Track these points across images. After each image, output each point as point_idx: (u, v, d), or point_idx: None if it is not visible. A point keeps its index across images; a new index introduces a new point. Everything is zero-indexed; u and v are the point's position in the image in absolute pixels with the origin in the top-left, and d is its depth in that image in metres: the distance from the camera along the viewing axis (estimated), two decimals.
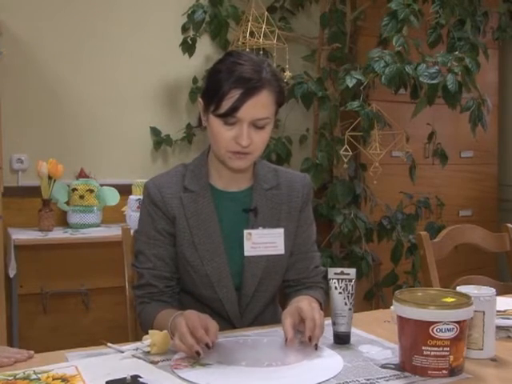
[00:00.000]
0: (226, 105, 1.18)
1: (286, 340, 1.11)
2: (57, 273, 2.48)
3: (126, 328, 1.43)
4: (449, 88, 2.27)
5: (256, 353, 1.12)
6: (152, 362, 1.07)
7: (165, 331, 1.14)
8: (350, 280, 1.20)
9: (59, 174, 2.66)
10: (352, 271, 1.21)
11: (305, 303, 1.14)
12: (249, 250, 1.30)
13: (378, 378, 1.00)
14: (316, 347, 1.10)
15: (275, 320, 1.35)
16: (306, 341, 1.11)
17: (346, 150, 2.56)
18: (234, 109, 1.17)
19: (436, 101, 2.36)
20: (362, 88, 2.44)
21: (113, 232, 2.51)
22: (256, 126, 1.20)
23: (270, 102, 1.20)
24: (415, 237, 2.61)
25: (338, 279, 1.20)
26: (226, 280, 1.30)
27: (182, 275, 1.33)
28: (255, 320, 1.36)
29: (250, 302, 1.34)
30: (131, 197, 2.65)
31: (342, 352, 1.14)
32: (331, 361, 1.09)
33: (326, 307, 1.29)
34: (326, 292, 1.26)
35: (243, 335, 1.24)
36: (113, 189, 2.78)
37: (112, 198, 2.74)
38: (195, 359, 1.07)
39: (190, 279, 1.32)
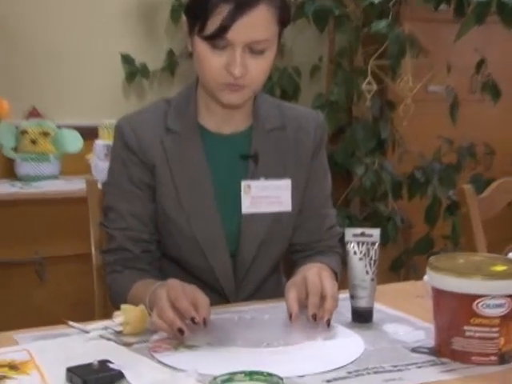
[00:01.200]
0: (213, 23, 1.18)
1: (291, 317, 1.13)
2: (3, 237, 2.42)
3: (92, 304, 1.46)
4: (505, 1, 2.21)
5: (254, 332, 1.14)
6: (125, 344, 1.09)
7: (141, 306, 1.15)
8: (373, 243, 1.22)
9: (4, 112, 2.63)
10: (375, 232, 1.22)
11: (312, 272, 1.16)
12: (247, 207, 1.32)
13: (407, 365, 1.02)
14: (328, 323, 1.12)
15: (279, 293, 1.36)
16: (317, 319, 1.14)
17: (369, 83, 2.57)
18: (223, 28, 1.17)
19: (487, 19, 2.32)
20: (390, 4, 2.43)
21: (75, 186, 2.50)
22: (252, 50, 1.21)
23: (270, 19, 1.20)
24: (456, 192, 2.56)
25: (357, 242, 1.22)
26: (219, 244, 1.32)
27: (163, 238, 1.36)
28: (254, 293, 1.39)
29: (249, 272, 1.37)
30: (98, 142, 2.63)
31: (363, 332, 1.16)
32: (349, 343, 1.11)
33: (343, 278, 1.32)
34: (343, 259, 1.29)
35: (239, 311, 1.26)
36: (74, 132, 2.76)
37: (73, 143, 2.71)
38: (178, 340, 1.08)
39: (173, 243, 1.34)
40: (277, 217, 1.34)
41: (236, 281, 1.36)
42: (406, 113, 2.57)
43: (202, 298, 1.10)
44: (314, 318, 1.12)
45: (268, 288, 1.41)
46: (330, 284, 1.14)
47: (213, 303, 1.16)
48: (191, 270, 1.35)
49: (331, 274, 1.27)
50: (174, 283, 1.11)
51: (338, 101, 2.65)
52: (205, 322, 1.07)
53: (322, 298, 1.14)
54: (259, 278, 1.39)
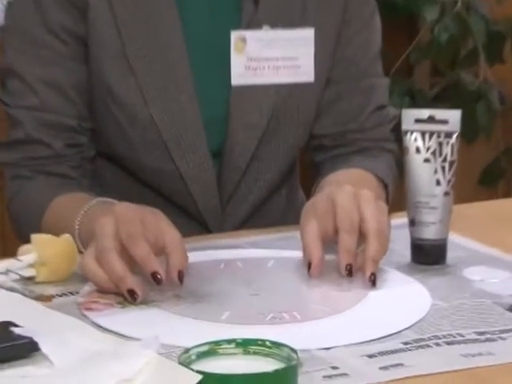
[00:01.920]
0: None
1: (310, 267, 1.04)
2: None
3: None
4: None
5: (251, 295, 1.05)
6: (39, 298, 1.02)
7: (65, 236, 1.08)
8: (449, 134, 1.14)
9: None
10: (454, 116, 1.15)
11: (345, 191, 1.07)
12: (240, 75, 1.24)
13: (501, 332, 0.93)
14: (373, 282, 1.03)
15: (291, 218, 1.30)
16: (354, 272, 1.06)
17: None
18: None
19: None
20: None
21: None
22: None
23: None
24: None
25: (423, 133, 1.14)
26: (195, 136, 1.27)
27: (100, 127, 1.31)
28: (251, 217, 1.35)
29: (242, 182, 1.32)
30: None
31: (429, 280, 1.09)
32: (406, 296, 1.04)
33: (398, 195, 1.28)
34: (399, 161, 1.28)
35: (228, 246, 1.21)
36: None
37: None
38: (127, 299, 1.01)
39: (118, 135, 1.29)
40: (289, 92, 1.29)
41: (222, 197, 1.31)
42: None
43: (173, 237, 1.00)
44: (348, 273, 1.02)
45: (273, 209, 1.38)
46: (373, 211, 1.04)
47: (187, 233, 1.11)
48: (147, 179, 1.30)
49: (377, 189, 1.22)
50: (126, 210, 1.02)
51: None
52: (180, 276, 0.99)
53: (362, 235, 1.05)
54: (259, 192, 1.34)
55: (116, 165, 1.35)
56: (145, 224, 1.01)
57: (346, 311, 1.01)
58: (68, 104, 1.27)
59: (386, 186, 1.29)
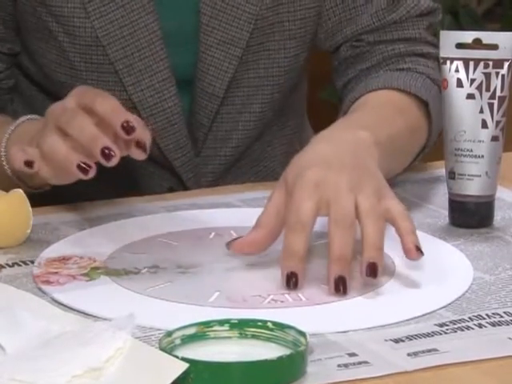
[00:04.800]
0: None
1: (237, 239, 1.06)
2: None
3: None
4: None
5: (246, 265, 1.06)
6: None
7: (17, 191, 1.08)
8: (500, 62, 1.13)
9: None
10: (505, 39, 1.13)
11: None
12: None
13: None
14: (417, 251, 1.01)
15: None
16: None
17: None
18: None
19: None
20: None
21: None
22: None
23: None
24: None
25: (465, 60, 1.13)
26: (151, 55, 1.28)
27: (35, 49, 1.32)
28: (238, 164, 1.39)
29: (221, 115, 1.34)
30: None
31: (473, 247, 1.09)
32: (443, 267, 1.04)
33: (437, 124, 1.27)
34: (437, 87, 1.26)
35: (214, 205, 1.23)
36: None
37: None
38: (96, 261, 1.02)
39: (57, 58, 1.30)
40: None
41: (194, 139, 1.33)
42: None
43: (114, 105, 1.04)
44: (371, 270, 0.98)
45: (270, 155, 1.41)
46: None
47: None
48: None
49: (411, 115, 1.21)
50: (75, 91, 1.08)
51: None
52: (141, 145, 1.02)
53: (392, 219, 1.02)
54: (246, 132, 1.36)
55: (53, 96, 1.33)
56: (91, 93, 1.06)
57: (362, 295, 1.01)
58: None
59: (426, 105, 1.27)
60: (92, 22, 1.26)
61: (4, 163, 1.13)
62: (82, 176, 1.02)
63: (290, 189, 1.05)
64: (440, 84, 1.26)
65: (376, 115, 1.20)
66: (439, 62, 1.26)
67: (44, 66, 1.34)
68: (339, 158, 1.08)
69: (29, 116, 1.17)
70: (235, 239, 1.06)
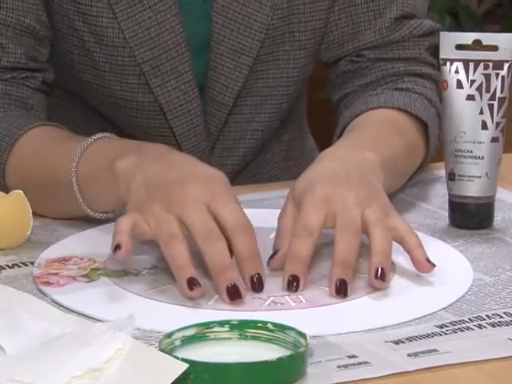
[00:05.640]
0: None
1: (273, 256, 1.05)
2: None
3: None
4: None
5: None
6: None
7: (17, 192, 1.08)
8: (500, 64, 1.13)
9: None
10: (505, 40, 1.14)
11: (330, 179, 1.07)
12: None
13: None
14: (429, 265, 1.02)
15: (293, 169, 1.38)
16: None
17: None
18: None
19: None
20: None
21: None
22: None
23: None
24: None
25: (466, 62, 1.14)
26: (177, 57, 1.29)
27: (62, 47, 1.31)
28: (244, 169, 1.40)
29: (230, 124, 1.35)
30: None
31: (473, 248, 1.09)
32: (445, 269, 1.03)
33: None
34: (434, 108, 1.28)
35: None
36: None
37: None
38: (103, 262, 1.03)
39: (83, 57, 1.30)
40: (287, 4, 1.30)
41: (209, 137, 1.34)
42: None
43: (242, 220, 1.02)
44: (378, 276, 0.99)
45: (273, 159, 1.41)
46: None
47: None
48: (119, 115, 1.33)
49: (409, 135, 1.21)
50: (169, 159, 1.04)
51: None
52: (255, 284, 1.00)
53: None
54: (254, 139, 1.37)
55: (79, 97, 1.35)
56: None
57: (363, 297, 1.00)
58: (25, 3, 1.26)
59: (426, 129, 1.27)
60: (120, 23, 1.27)
61: (75, 188, 1.10)
62: (187, 292, 0.98)
63: (298, 203, 1.06)
64: (437, 106, 1.30)
65: (378, 134, 1.20)
66: (437, 83, 1.31)
67: (68, 65, 1.33)
68: (347, 174, 1.09)
69: (104, 134, 1.14)
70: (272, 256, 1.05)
